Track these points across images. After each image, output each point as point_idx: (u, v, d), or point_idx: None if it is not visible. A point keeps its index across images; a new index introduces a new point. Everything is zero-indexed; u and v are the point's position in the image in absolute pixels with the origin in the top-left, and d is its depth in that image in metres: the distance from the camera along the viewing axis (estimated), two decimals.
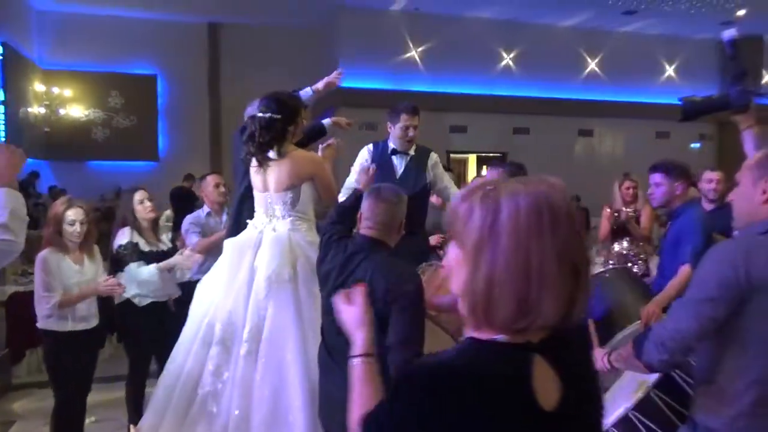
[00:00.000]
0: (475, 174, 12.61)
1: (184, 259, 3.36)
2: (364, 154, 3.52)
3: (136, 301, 3.34)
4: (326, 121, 3.23)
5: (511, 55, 12.54)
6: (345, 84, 12.15)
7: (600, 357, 1.85)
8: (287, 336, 2.38)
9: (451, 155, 12.35)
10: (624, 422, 1.81)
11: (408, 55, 11.96)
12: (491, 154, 12.85)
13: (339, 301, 1.18)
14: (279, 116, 2.51)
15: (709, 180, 4.24)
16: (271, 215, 2.59)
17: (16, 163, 1.95)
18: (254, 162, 2.59)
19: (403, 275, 2.00)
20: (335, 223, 2.33)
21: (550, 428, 0.86)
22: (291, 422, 2.29)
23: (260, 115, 2.54)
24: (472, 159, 13.20)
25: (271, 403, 2.31)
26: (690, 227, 2.90)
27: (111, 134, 12.07)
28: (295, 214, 2.60)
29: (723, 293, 1.50)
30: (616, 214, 4.47)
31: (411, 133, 3.45)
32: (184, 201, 8.37)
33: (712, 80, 13.66)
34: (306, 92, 3.05)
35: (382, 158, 3.49)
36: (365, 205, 2.16)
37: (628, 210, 4.47)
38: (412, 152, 3.53)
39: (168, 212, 10.73)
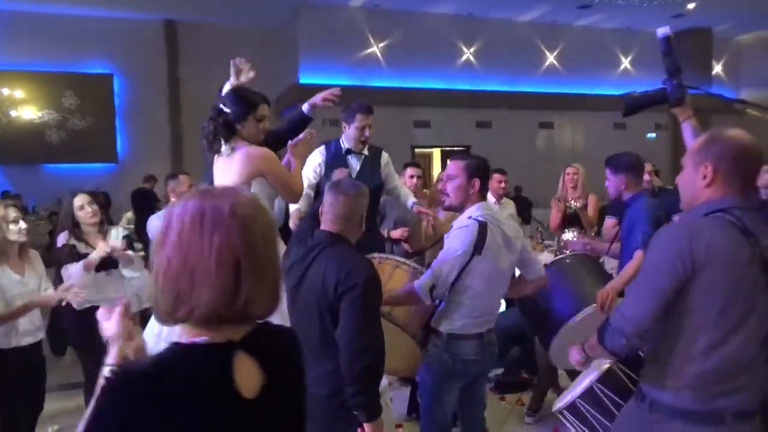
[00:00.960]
0: (439, 168, 12.71)
1: (103, 249, 3.19)
2: (317, 158, 3.47)
3: (75, 304, 3.11)
4: (305, 107, 3.12)
5: (472, 50, 12.68)
6: (306, 80, 12.17)
7: (575, 351, 1.90)
8: None
9: (416, 150, 12.43)
10: (589, 394, 1.89)
11: (369, 50, 11.98)
12: (455, 148, 12.99)
13: (100, 314, 1.18)
14: (229, 111, 2.46)
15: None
16: None
17: None
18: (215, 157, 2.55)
19: (353, 269, 1.98)
20: (306, 219, 2.32)
21: (253, 414, 0.98)
22: None
23: (216, 104, 2.50)
24: (436, 153, 13.32)
25: None
26: (638, 216, 3.03)
27: (66, 136, 11.72)
28: None
29: (670, 274, 1.57)
30: (567, 204, 4.61)
31: (367, 132, 3.44)
32: (145, 202, 8.21)
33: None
34: (305, 108, 3.07)
35: (336, 158, 3.47)
36: (325, 200, 2.14)
37: (573, 199, 4.59)
38: (365, 152, 3.53)
39: (129, 214, 10.50)
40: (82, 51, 11.48)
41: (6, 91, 10.98)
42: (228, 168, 2.49)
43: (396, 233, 4.04)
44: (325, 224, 2.13)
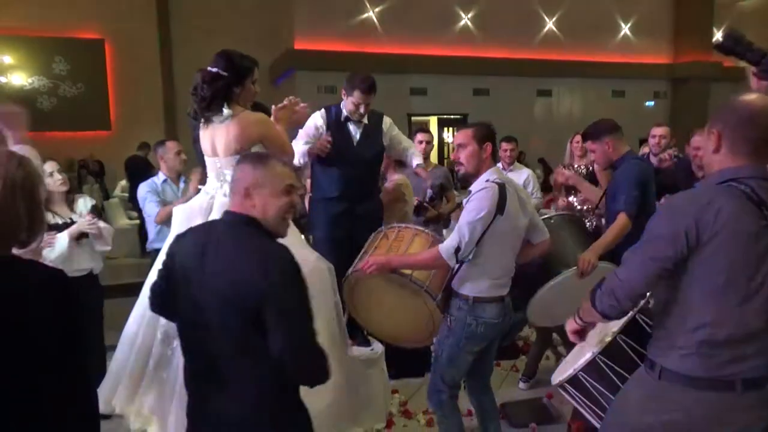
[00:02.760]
0: (436, 136, 12.61)
1: (87, 224, 3.19)
2: (318, 119, 3.43)
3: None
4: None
5: (469, 15, 12.43)
6: (301, 46, 11.92)
7: (571, 321, 1.90)
8: None
9: (412, 118, 12.30)
10: (592, 367, 1.89)
11: (365, 15, 11.72)
12: (452, 116, 12.86)
13: None
14: (225, 74, 2.40)
15: (653, 135, 4.36)
16: (222, 180, 2.53)
17: (22, 121, 2.38)
18: (201, 124, 2.50)
19: (271, 267, 1.55)
20: None
21: None
22: None
23: (207, 68, 2.43)
24: (433, 121, 13.19)
25: None
26: (623, 178, 3.04)
27: (58, 103, 11.54)
28: None
29: (671, 244, 1.55)
30: (576, 170, 4.61)
31: (362, 109, 3.40)
32: (140, 170, 8.13)
33: (665, 38, 13.90)
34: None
35: (336, 125, 3.43)
36: (249, 176, 1.71)
37: (580, 165, 4.58)
38: (365, 120, 3.48)
39: (123, 182, 10.43)
40: (72, 15, 11.20)
41: None
42: (223, 134, 2.45)
43: None
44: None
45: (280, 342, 1.53)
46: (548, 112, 13.48)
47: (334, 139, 3.32)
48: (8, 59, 10.97)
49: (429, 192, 4.18)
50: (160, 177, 3.87)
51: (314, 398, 2.30)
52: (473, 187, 2.50)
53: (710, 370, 1.56)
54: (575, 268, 2.85)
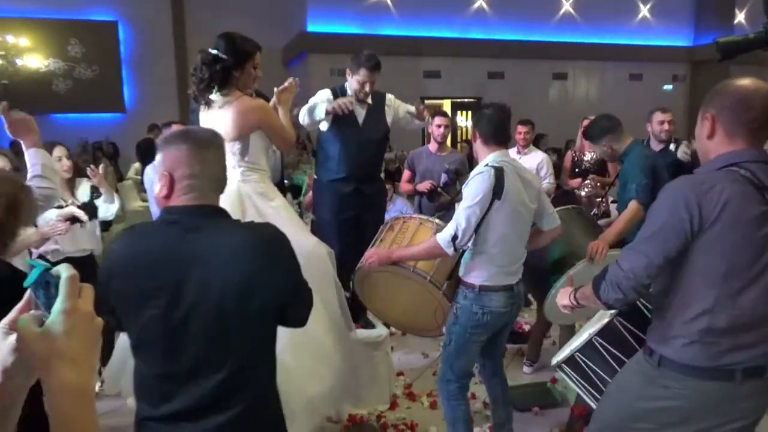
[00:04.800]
0: None
1: (49, 229, 3.16)
2: (327, 94, 3.41)
3: (49, 256, 3.21)
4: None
5: None
6: (314, 29, 11.86)
7: (566, 294, 1.91)
8: None
9: (426, 101, 12.20)
10: (588, 347, 1.88)
11: None
12: (466, 100, 12.73)
13: None
14: (225, 57, 2.36)
15: (660, 122, 4.25)
16: None
17: (31, 127, 2.34)
18: (202, 107, 2.48)
19: (273, 265, 1.42)
20: None
21: None
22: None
23: (208, 50, 2.40)
24: (447, 105, 13.08)
25: None
26: (633, 166, 3.00)
27: (73, 85, 11.61)
28: (245, 165, 2.52)
29: (675, 231, 1.51)
30: (576, 157, 4.65)
31: (367, 88, 3.37)
32: (151, 152, 8.17)
33: (685, 20, 13.59)
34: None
35: None
36: (174, 158, 1.42)
37: (591, 151, 4.53)
38: (369, 101, 3.46)
39: (136, 165, 10.50)
40: None
41: (11, 39, 10.83)
42: (222, 120, 2.43)
43: (422, 186, 4.17)
44: (187, 197, 1.44)
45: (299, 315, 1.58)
46: (564, 96, 13.29)
47: (339, 120, 3.31)
48: (24, 41, 11.04)
49: (444, 177, 4.15)
50: None
51: (315, 381, 2.33)
52: (473, 173, 2.45)
53: (710, 360, 1.54)
54: (585, 259, 2.81)
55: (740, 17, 14.27)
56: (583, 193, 3.98)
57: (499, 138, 2.48)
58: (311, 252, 2.67)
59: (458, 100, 12.74)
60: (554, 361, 2.02)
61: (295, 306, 1.54)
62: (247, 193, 2.52)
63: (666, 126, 4.13)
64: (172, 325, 1.37)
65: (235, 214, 2.42)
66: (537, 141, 11.01)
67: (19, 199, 1.58)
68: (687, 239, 1.51)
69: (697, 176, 1.59)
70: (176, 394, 1.38)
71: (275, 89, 2.67)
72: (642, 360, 1.68)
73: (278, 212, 2.60)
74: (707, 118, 1.60)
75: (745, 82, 1.58)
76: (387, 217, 3.52)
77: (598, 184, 4.05)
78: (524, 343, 4.20)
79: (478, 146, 2.51)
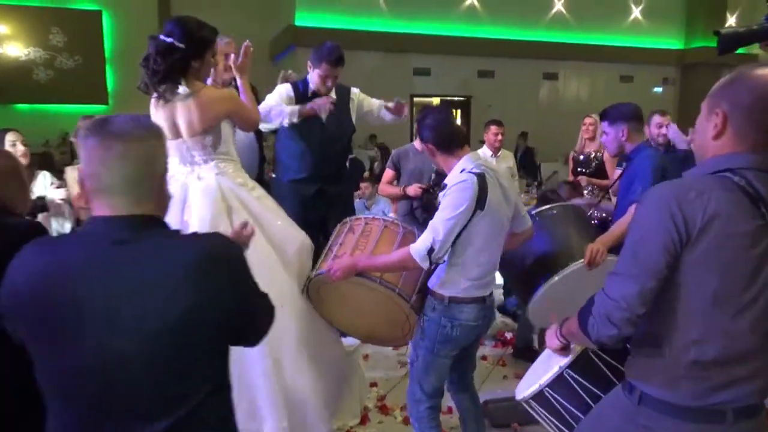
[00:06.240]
0: None
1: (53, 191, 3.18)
2: (287, 90, 3.24)
3: None
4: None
5: None
6: (302, 22, 11.67)
7: (552, 333, 1.71)
8: None
9: (415, 99, 12.05)
10: (558, 381, 1.70)
11: None
12: (456, 98, 12.60)
13: None
14: (181, 46, 2.18)
15: (659, 125, 4.12)
16: (191, 162, 2.37)
17: None
18: (154, 100, 2.31)
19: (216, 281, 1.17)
20: None
21: None
22: (254, 391, 2.21)
23: (161, 38, 2.21)
24: (436, 103, 12.94)
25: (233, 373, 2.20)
26: (643, 168, 2.79)
27: (55, 75, 11.34)
28: (218, 157, 2.38)
29: (662, 244, 1.29)
30: (580, 157, 4.50)
31: (329, 83, 3.22)
32: None
33: (676, 23, 13.53)
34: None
35: (303, 102, 3.23)
36: (87, 156, 1.16)
37: (590, 152, 4.41)
38: (332, 95, 3.29)
39: None
40: None
41: None
42: (185, 114, 2.26)
43: (411, 190, 3.73)
44: (103, 207, 1.18)
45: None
46: (554, 96, 13.21)
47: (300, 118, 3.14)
48: (4, 29, 10.76)
49: (434, 177, 3.93)
50: None
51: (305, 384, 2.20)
52: (449, 179, 2.25)
53: (698, 398, 1.34)
54: (582, 261, 2.61)
55: (731, 21, 14.23)
56: (580, 201, 3.85)
57: (459, 139, 2.29)
58: (302, 244, 2.54)
59: (448, 98, 12.59)
60: (520, 395, 1.83)
61: (251, 325, 1.33)
62: (228, 187, 2.39)
63: (664, 130, 4.01)
64: (96, 366, 1.10)
65: (219, 211, 2.31)
66: (524, 139, 10.94)
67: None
68: (677, 253, 1.29)
69: (684, 181, 1.37)
70: None
71: (231, 63, 2.51)
72: (621, 396, 1.48)
73: (263, 202, 2.48)
74: (717, 114, 1.33)
75: None
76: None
77: (596, 187, 3.93)
78: (505, 348, 4.07)
79: (442, 158, 2.31)
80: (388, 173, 4.01)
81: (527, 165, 9.67)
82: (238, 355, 2.20)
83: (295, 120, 3.09)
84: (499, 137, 4.57)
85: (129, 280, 1.12)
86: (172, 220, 2.37)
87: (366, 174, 7.06)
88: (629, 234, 1.40)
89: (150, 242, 1.16)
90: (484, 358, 3.95)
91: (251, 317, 1.31)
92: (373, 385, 3.50)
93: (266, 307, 1.38)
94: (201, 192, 2.34)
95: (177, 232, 1.25)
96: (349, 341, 3.03)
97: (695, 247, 1.28)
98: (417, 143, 4.02)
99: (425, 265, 2.16)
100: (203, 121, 2.27)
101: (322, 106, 3.06)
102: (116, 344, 1.09)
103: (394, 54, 11.31)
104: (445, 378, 2.44)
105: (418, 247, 2.15)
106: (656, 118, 3.98)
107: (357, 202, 5.37)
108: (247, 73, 2.51)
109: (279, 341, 2.27)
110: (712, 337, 1.31)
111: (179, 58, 2.19)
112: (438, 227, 2.13)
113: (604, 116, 2.96)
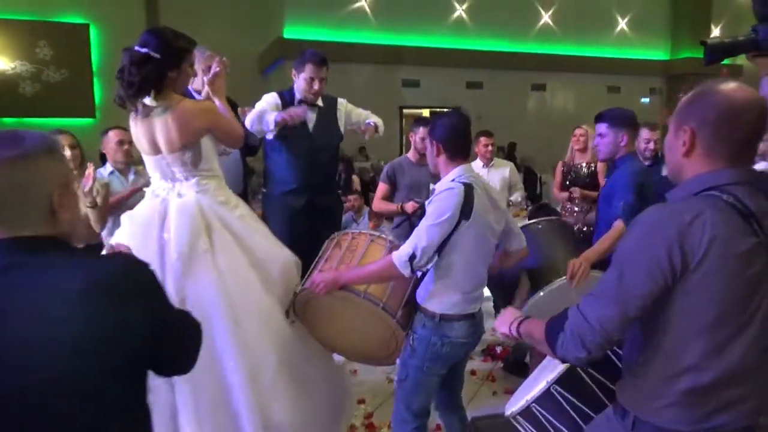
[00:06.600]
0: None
1: None
2: (274, 98, 3.21)
3: None
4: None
5: (464, 7, 12.20)
6: (291, 35, 11.70)
7: (507, 321, 1.64)
8: (212, 315, 2.14)
9: (404, 110, 12.09)
10: (545, 397, 1.68)
11: (357, 5, 11.48)
12: (445, 109, 12.60)
13: None
14: (157, 56, 2.12)
15: (647, 140, 4.08)
16: (171, 179, 2.31)
17: None
18: (132, 115, 2.26)
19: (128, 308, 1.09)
20: None
21: None
22: (234, 407, 2.15)
23: (135, 48, 2.15)
24: (425, 114, 12.97)
25: (211, 391, 2.13)
26: (623, 181, 2.75)
27: (41, 89, 11.27)
28: (199, 174, 2.32)
29: (652, 273, 1.25)
30: (569, 168, 4.45)
31: (316, 86, 3.18)
32: None
33: (662, 34, 13.69)
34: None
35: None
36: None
37: (581, 164, 4.36)
38: (319, 103, 3.27)
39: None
40: None
41: None
42: (163, 129, 2.21)
43: (409, 206, 3.60)
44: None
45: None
46: (542, 107, 13.29)
47: (288, 126, 3.08)
48: None
49: (432, 189, 3.85)
50: (107, 168, 3.60)
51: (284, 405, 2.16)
52: (438, 186, 2.22)
53: (694, 423, 1.30)
54: (564, 277, 2.59)
55: (716, 32, 14.43)
56: (567, 215, 3.83)
57: (466, 150, 2.27)
58: (285, 263, 2.49)
59: (437, 109, 12.61)
60: (508, 411, 1.81)
61: (169, 349, 1.22)
62: (208, 204, 2.32)
63: (651, 145, 3.99)
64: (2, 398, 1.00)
65: (197, 230, 2.24)
66: (511, 150, 10.97)
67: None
68: (667, 285, 1.26)
69: (674, 206, 1.32)
70: None
71: (207, 80, 2.44)
72: (613, 419, 1.44)
73: (245, 221, 2.41)
74: (685, 131, 1.33)
75: (731, 88, 1.30)
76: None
77: (583, 199, 3.89)
78: (495, 362, 4.03)
79: (442, 161, 2.26)
80: (382, 187, 3.87)
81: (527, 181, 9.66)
82: (215, 376, 2.15)
83: (272, 127, 3.05)
84: (490, 148, 4.56)
85: (12, 309, 1.01)
86: (151, 237, 2.33)
87: (356, 186, 7.02)
88: (617, 255, 1.35)
89: (37, 266, 1.05)
90: (473, 372, 3.91)
91: (166, 340, 1.19)
92: (361, 401, 3.45)
93: (187, 326, 1.30)
94: (179, 210, 2.29)
95: (71, 252, 1.14)
96: (336, 357, 2.98)
97: (695, 273, 1.24)
98: (411, 154, 3.96)
99: (406, 272, 2.12)
100: (182, 137, 2.22)
101: (295, 115, 3.01)
102: (11, 377, 0.99)
103: (383, 66, 11.35)
104: (432, 397, 2.40)
105: (399, 254, 2.12)
106: (645, 133, 3.96)
107: (345, 216, 5.34)
108: (222, 93, 2.41)
109: (258, 360, 2.22)
110: (708, 361, 1.28)
111: (155, 68, 2.13)
112: (421, 234, 2.09)
113: (601, 118, 2.90)
